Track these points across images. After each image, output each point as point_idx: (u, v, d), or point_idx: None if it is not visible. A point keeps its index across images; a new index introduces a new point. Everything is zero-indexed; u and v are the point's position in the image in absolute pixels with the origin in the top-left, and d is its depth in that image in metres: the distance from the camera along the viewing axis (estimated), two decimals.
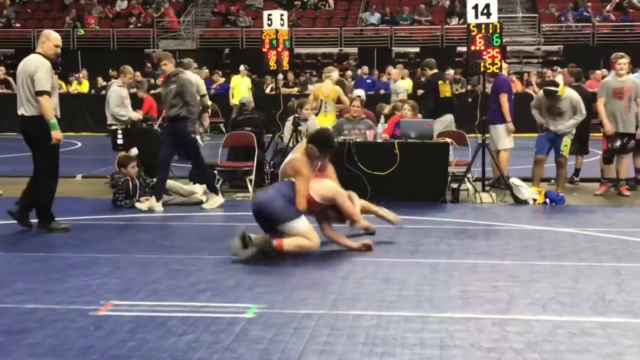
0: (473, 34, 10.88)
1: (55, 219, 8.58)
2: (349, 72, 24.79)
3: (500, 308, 5.57)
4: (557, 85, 10.62)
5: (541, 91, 10.82)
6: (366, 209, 8.22)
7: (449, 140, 10.73)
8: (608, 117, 10.93)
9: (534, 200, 10.36)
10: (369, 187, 10.08)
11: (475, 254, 7.40)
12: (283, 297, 5.83)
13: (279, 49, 13.33)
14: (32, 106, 8.33)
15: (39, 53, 8.43)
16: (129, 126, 11.96)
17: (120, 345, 4.73)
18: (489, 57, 10.85)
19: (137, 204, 9.96)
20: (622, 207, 10.35)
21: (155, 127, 14.61)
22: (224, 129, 15.71)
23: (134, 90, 22.45)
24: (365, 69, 23.66)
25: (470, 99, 19.76)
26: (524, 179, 10.85)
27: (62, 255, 7.33)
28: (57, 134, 8.25)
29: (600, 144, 11.68)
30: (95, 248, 7.66)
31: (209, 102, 15.63)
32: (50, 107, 8.22)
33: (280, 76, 19.29)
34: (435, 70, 13.04)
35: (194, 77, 15.69)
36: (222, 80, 23.60)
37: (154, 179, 10.49)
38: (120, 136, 11.87)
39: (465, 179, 10.82)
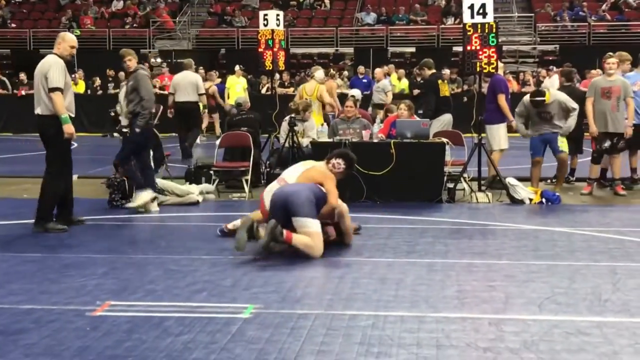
0: (469, 33, 10.88)
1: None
2: (345, 72, 24.80)
3: (497, 308, 5.58)
4: (543, 94, 10.63)
5: (527, 98, 10.83)
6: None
7: (445, 140, 10.74)
8: (597, 117, 10.95)
9: (530, 200, 10.37)
10: (364, 187, 10.09)
11: (472, 253, 7.41)
12: (279, 297, 5.83)
13: (275, 49, 13.34)
14: (47, 105, 8.47)
15: (54, 54, 8.63)
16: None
17: (117, 346, 4.73)
18: (485, 57, 10.85)
19: (128, 204, 9.88)
20: (618, 207, 10.37)
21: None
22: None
23: None
24: (362, 68, 23.67)
25: (465, 98, 19.78)
26: (520, 179, 10.86)
27: (59, 255, 7.33)
28: (68, 128, 8.42)
29: None
30: (92, 248, 7.66)
31: (205, 101, 15.67)
32: (62, 103, 8.39)
33: (277, 76, 19.28)
34: (434, 70, 13.07)
35: (194, 76, 15.74)
36: (218, 80, 23.59)
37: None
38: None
39: (462, 179, 10.83)
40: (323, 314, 5.39)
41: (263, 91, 22.64)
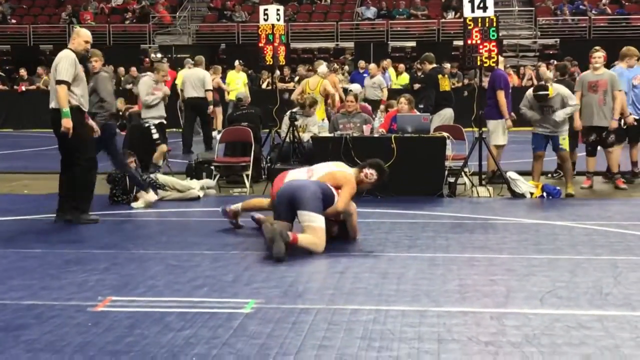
0: (469, 27, 10.88)
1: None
2: (346, 67, 24.76)
3: (498, 302, 5.58)
4: (546, 89, 10.60)
5: (530, 93, 10.79)
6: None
7: (445, 134, 10.73)
8: (584, 111, 10.95)
9: (531, 193, 10.37)
10: None
11: (473, 248, 7.41)
12: (281, 292, 5.83)
13: (275, 44, 13.34)
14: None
15: (69, 48, 8.75)
16: (164, 122, 12.23)
17: (118, 341, 4.73)
18: (486, 51, 10.85)
19: (133, 204, 9.92)
20: (619, 200, 10.36)
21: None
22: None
23: (129, 86, 22.48)
24: (362, 63, 23.63)
25: (466, 93, 19.76)
26: (521, 173, 10.85)
27: (60, 251, 7.32)
28: (67, 122, 8.43)
29: None
30: (93, 244, 7.66)
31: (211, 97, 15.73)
32: (66, 97, 8.44)
33: (278, 73, 19.27)
34: (435, 65, 13.06)
35: (203, 73, 15.80)
36: (219, 75, 23.58)
37: (150, 175, 10.50)
38: (154, 131, 11.97)
39: (462, 173, 10.83)
40: (324, 308, 5.39)
41: (264, 86, 22.62)
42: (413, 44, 27.81)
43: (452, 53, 24.95)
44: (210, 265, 6.73)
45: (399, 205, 9.70)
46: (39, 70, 24.77)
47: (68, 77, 8.47)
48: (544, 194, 10.36)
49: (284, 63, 14.95)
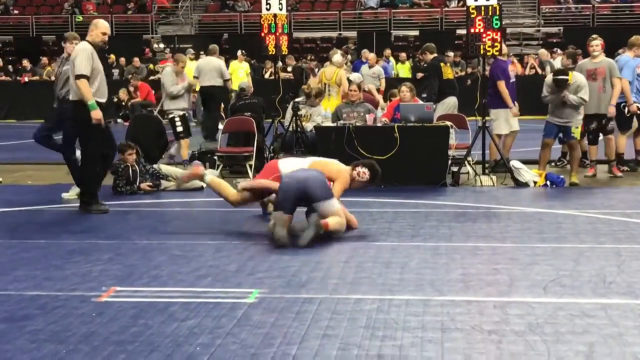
0: (472, 16, 10.83)
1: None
2: (349, 57, 24.70)
3: (501, 291, 5.59)
4: (566, 73, 10.51)
5: (550, 78, 10.68)
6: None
7: (449, 123, 10.71)
8: None
9: (535, 182, 10.35)
10: None
11: (476, 237, 7.41)
12: (284, 281, 5.84)
13: (278, 34, 13.29)
14: (76, 91, 8.58)
15: (87, 41, 8.75)
16: (186, 114, 12.31)
17: (123, 331, 4.74)
18: (489, 40, 10.80)
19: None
20: (622, 189, 10.35)
21: (155, 113, 14.64)
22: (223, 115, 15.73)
23: (131, 76, 22.49)
24: (367, 52, 23.56)
25: (469, 81, 19.71)
26: (526, 162, 10.83)
27: (63, 242, 7.34)
28: (96, 114, 8.48)
29: None
30: (97, 234, 7.67)
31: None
32: (88, 90, 8.46)
33: (280, 64, 19.22)
34: (436, 54, 13.03)
35: (218, 62, 15.73)
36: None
37: (154, 166, 10.50)
38: (179, 124, 11.97)
39: (466, 162, 10.82)
40: (328, 298, 5.40)
41: (266, 76, 22.58)
42: (416, 32, 27.72)
43: (455, 42, 24.90)
44: (214, 255, 6.74)
45: (402, 194, 9.70)
46: (44, 60, 24.77)
47: (86, 71, 8.45)
48: (548, 182, 10.35)
49: (286, 53, 14.89)
